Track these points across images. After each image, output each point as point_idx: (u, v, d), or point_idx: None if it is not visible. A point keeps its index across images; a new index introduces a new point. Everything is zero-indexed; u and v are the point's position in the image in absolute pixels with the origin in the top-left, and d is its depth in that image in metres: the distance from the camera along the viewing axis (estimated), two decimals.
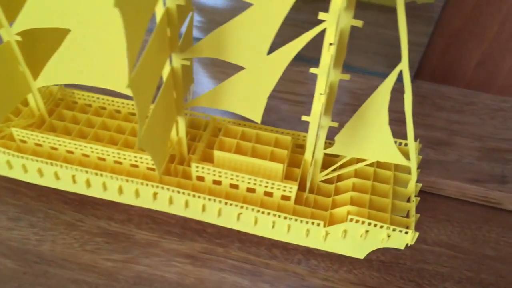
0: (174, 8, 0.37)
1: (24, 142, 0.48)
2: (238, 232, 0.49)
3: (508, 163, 0.56)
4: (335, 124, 0.43)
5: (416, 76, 0.67)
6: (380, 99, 0.40)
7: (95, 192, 0.49)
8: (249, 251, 0.48)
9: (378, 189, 0.46)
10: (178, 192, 0.45)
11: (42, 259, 0.47)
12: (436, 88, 0.67)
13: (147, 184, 0.46)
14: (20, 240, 0.48)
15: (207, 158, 0.47)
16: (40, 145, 0.48)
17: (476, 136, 0.59)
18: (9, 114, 0.50)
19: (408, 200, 0.46)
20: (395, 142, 0.47)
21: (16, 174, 0.50)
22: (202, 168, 0.45)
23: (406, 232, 0.42)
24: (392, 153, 0.43)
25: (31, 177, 0.50)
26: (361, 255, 0.46)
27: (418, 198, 0.44)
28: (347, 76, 0.39)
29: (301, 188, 0.47)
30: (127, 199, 0.48)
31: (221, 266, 0.47)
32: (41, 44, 0.44)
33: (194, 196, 0.45)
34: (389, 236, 0.43)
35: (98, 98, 0.52)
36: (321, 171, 0.47)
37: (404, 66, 0.37)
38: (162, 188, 0.46)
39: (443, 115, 0.62)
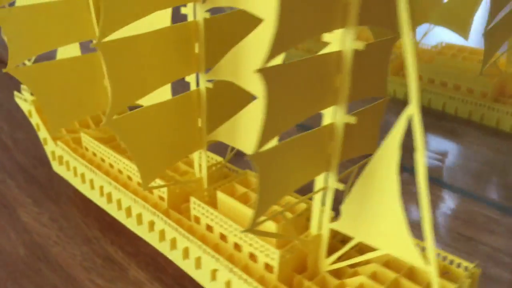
0: (201, 23, 0.38)
1: (87, 150, 0.52)
2: None
3: None
4: (341, 187, 0.34)
5: None
6: (387, 157, 0.31)
7: (112, 209, 0.48)
8: None
9: None
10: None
11: (45, 258, 0.47)
12: None
13: (147, 209, 0.43)
14: (43, 236, 0.50)
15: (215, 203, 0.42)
16: (95, 154, 0.51)
17: None
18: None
19: None
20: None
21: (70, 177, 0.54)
22: (199, 205, 0.40)
23: None
24: (404, 244, 0.31)
25: (78, 182, 0.52)
26: None
27: None
28: (352, 119, 0.32)
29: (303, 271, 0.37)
30: (132, 224, 0.46)
31: None
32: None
33: (177, 231, 0.40)
34: None
35: None
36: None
37: (414, 109, 0.29)
38: (158, 216, 0.42)
39: None
